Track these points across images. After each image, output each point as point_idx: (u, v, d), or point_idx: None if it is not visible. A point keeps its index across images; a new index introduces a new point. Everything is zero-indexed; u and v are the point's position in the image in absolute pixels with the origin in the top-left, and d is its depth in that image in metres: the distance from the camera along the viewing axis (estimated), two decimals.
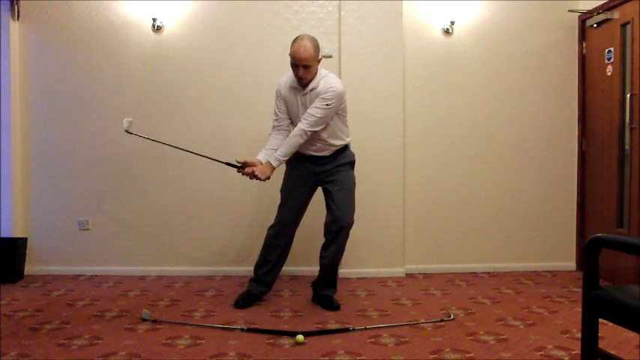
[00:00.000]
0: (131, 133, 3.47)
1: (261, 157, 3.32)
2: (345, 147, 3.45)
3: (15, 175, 4.21)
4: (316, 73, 3.29)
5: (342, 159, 3.42)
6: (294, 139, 3.26)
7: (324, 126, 3.27)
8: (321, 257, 3.43)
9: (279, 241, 3.48)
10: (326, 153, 3.39)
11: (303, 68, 3.21)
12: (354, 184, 3.45)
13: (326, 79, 3.28)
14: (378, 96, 4.22)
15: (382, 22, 4.21)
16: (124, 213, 4.29)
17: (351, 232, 3.36)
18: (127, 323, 3.12)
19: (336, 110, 3.29)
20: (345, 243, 3.39)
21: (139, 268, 4.27)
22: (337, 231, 3.32)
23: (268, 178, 3.28)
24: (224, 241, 4.30)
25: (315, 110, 3.22)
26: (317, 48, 3.26)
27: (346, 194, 3.36)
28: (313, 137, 3.32)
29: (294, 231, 3.53)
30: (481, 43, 4.37)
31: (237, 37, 4.26)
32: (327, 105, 3.21)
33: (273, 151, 3.30)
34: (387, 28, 4.22)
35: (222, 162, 3.32)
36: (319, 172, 3.42)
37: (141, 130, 4.24)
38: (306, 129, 3.23)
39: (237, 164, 3.28)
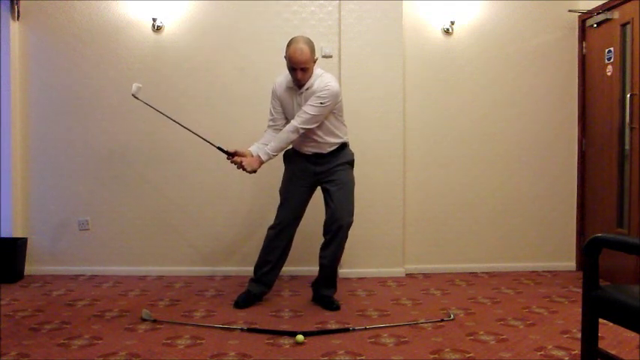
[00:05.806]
0: (137, 99, 3.41)
1: (253, 149, 3.31)
2: (343, 145, 3.43)
3: (15, 175, 4.21)
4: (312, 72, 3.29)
5: (341, 158, 3.40)
6: (285, 135, 3.26)
7: (317, 124, 3.26)
8: (321, 257, 3.42)
9: (279, 241, 3.48)
10: (323, 151, 3.38)
11: (301, 71, 3.20)
12: (354, 183, 3.44)
13: (321, 78, 3.26)
14: (378, 96, 4.22)
15: (382, 22, 4.21)
16: (124, 213, 4.29)
17: (351, 232, 3.35)
18: (127, 323, 3.12)
19: (331, 109, 3.28)
20: (345, 242, 3.38)
21: (138, 268, 4.27)
22: (336, 230, 3.31)
23: (254, 172, 3.28)
24: (224, 241, 4.30)
25: (309, 108, 3.21)
26: (313, 49, 3.24)
27: (345, 194, 3.35)
28: (307, 135, 3.32)
29: (294, 231, 3.52)
30: (481, 43, 4.37)
31: (237, 37, 4.26)
32: (321, 103, 3.20)
33: (265, 145, 3.31)
34: (387, 28, 4.22)
35: (214, 145, 3.30)
36: (318, 172, 3.41)
37: (140, 129, 4.28)
38: (299, 126, 3.22)
39: (228, 151, 3.28)
